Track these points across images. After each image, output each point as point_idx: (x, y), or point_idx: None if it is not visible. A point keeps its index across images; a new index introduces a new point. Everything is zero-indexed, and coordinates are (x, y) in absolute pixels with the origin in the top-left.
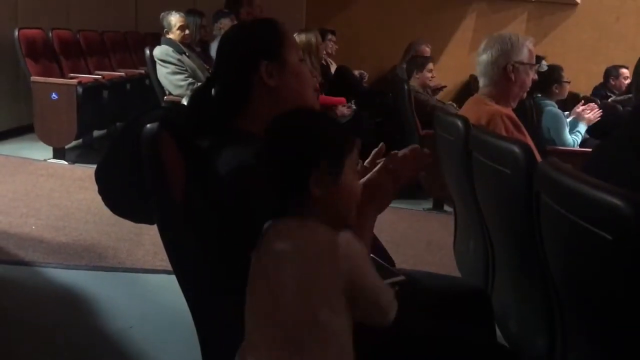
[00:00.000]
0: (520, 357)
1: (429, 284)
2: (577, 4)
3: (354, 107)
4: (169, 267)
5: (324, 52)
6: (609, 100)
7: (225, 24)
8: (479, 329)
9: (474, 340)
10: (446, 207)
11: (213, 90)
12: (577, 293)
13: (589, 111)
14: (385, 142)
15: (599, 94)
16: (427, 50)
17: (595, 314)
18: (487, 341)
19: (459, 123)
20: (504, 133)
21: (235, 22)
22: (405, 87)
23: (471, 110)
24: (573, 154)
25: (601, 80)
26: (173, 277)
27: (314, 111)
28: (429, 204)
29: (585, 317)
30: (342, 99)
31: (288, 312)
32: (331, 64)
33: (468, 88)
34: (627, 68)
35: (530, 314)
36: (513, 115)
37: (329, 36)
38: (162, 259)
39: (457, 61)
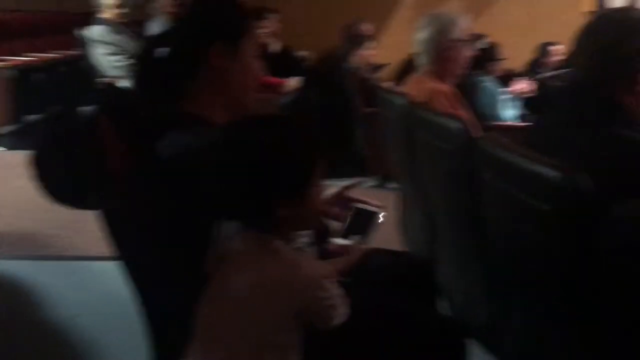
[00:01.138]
0: (464, 327)
1: (374, 258)
2: None
3: (296, 83)
4: (111, 254)
5: (265, 31)
6: (537, 77)
7: (163, 3)
8: (421, 301)
9: (417, 312)
10: (391, 184)
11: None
12: (517, 263)
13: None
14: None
15: (532, 70)
16: (367, 28)
17: (534, 282)
18: (430, 312)
19: (400, 101)
20: (444, 110)
21: (176, 2)
22: (345, 65)
23: (412, 88)
24: (513, 128)
25: (535, 56)
26: (116, 264)
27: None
28: (374, 181)
29: (525, 286)
30: (282, 81)
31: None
32: (273, 43)
33: (409, 66)
34: (557, 45)
35: (473, 284)
36: (453, 92)
37: (271, 15)
38: (104, 246)
39: (398, 39)
